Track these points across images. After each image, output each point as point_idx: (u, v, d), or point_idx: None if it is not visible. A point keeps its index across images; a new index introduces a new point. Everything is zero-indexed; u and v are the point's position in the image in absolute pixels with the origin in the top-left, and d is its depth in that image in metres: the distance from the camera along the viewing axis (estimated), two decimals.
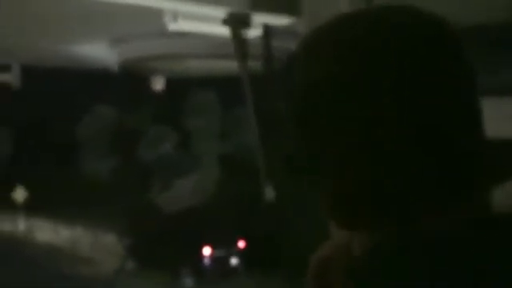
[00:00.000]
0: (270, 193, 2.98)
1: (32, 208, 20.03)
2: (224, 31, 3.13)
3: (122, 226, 16.74)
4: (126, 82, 15.02)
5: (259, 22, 3.17)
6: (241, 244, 14.48)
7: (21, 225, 20.97)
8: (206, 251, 14.33)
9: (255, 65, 3.51)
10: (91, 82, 16.14)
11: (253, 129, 3.45)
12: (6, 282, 14.03)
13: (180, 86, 15.54)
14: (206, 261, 14.31)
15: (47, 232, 20.31)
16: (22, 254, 17.98)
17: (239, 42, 3.19)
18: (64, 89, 18.10)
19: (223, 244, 14.40)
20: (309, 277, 0.93)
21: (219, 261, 14.27)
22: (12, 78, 6.15)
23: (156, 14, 3.14)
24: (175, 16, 2.99)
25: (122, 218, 16.91)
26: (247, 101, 3.21)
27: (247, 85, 3.26)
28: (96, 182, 18.74)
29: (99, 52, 5.69)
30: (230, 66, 3.59)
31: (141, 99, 17.24)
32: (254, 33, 3.32)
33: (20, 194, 20.03)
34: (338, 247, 0.90)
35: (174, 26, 3.08)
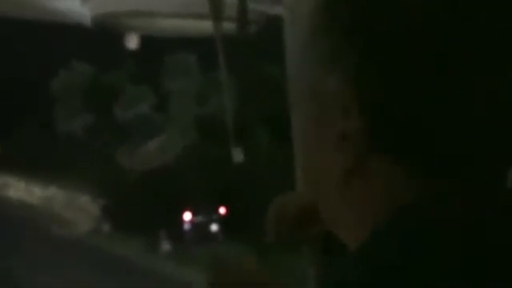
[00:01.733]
0: (237, 155, 2.86)
1: (4, 165, 19.82)
2: None
3: (97, 186, 16.62)
4: (104, 40, 14.74)
5: None
6: (222, 210, 14.45)
7: None
8: (187, 216, 14.28)
9: (231, 27, 3.37)
10: (68, 38, 15.82)
11: (225, 90, 3.33)
12: None
13: (159, 46, 15.30)
14: (186, 226, 14.25)
15: (20, 190, 20.13)
16: None
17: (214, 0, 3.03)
18: (38, 43, 17.72)
19: (204, 210, 14.36)
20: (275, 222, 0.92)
21: (199, 226, 14.15)
22: None
23: None
24: None
25: (96, 177, 16.77)
26: (220, 62, 3.06)
27: (221, 46, 3.10)
28: (70, 140, 18.53)
29: (72, 5, 5.48)
30: (205, 26, 3.42)
31: (118, 58, 16.99)
32: None
33: None
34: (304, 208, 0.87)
35: None
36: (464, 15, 0.60)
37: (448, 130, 0.59)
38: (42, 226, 16.31)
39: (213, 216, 14.37)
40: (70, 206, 17.86)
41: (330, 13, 0.63)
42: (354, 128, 0.60)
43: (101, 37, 13.05)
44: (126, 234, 14.75)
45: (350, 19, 0.62)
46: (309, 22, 0.66)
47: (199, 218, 14.31)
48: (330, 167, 0.63)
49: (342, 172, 0.62)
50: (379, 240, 0.60)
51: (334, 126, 0.61)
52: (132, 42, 6.44)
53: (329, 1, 0.64)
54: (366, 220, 0.62)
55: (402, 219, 0.60)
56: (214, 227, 14.37)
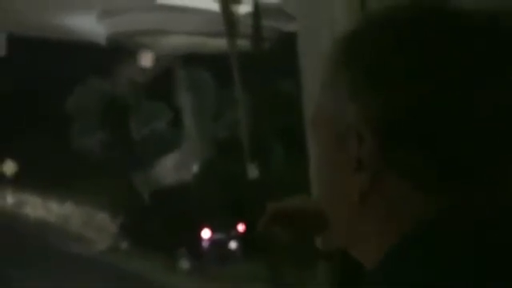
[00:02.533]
0: (253, 171, 2.86)
1: (21, 182, 19.88)
2: (214, 6, 2.99)
3: (115, 203, 16.59)
4: (119, 57, 14.78)
5: None
6: (240, 228, 14.34)
7: (9, 198, 20.83)
8: (205, 234, 14.19)
9: (245, 43, 3.40)
10: (84, 55, 15.93)
11: (240, 106, 3.35)
12: None
13: (174, 63, 15.34)
14: (205, 243, 14.11)
15: (37, 207, 20.16)
16: (11, 227, 17.87)
17: (229, 16, 3.07)
18: (55, 61, 17.82)
19: (223, 227, 14.25)
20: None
21: (218, 244, 14.02)
22: None
23: None
24: None
25: (114, 194, 16.75)
26: (235, 78, 3.09)
27: (235, 62, 3.13)
28: (87, 157, 18.56)
29: (88, 24, 5.53)
30: (220, 44, 3.45)
31: (134, 75, 17.05)
32: (244, 9, 3.20)
33: (9, 167, 19.86)
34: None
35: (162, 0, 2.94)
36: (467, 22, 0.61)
37: (455, 139, 0.60)
38: (60, 244, 16.32)
39: (231, 233, 14.25)
40: (87, 224, 17.86)
41: (350, 51, 0.65)
42: (368, 153, 0.61)
43: (116, 54, 13.12)
44: (145, 252, 14.69)
45: (370, 58, 0.63)
46: (330, 57, 0.68)
47: (218, 236, 14.20)
48: (347, 189, 0.64)
49: (359, 193, 0.63)
50: (401, 256, 0.60)
51: (350, 152, 0.63)
52: (147, 60, 6.49)
53: (349, 41, 0.67)
54: (382, 238, 0.62)
55: (423, 234, 0.60)
56: (233, 245, 14.24)
